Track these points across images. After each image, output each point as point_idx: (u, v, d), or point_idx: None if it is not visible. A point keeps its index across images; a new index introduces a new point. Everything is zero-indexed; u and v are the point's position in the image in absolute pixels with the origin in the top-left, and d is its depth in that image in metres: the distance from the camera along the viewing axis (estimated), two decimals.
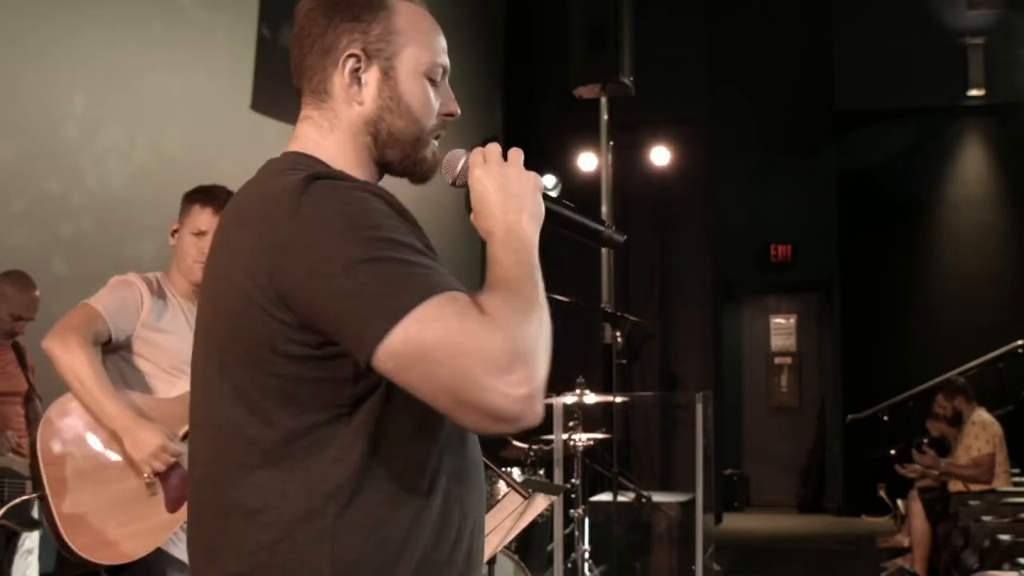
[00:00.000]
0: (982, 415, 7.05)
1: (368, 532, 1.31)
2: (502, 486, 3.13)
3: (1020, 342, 9.12)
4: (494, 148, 1.48)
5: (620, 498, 6.18)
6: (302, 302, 1.27)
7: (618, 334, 5.70)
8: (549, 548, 5.14)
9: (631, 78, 7.14)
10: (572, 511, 5.36)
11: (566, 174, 9.23)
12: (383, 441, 1.32)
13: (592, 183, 7.89)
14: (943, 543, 6.69)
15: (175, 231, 3.03)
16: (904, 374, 9.51)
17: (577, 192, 9.16)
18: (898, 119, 9.88)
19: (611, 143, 7.74)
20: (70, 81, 4.76)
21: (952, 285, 10.09)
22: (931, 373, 9.07)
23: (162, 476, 2.76)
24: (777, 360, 11.20)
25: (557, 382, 5.56)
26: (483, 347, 1.20)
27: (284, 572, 1.31)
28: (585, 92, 7.32)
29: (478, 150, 1.48)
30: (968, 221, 10.22)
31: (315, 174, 1.33)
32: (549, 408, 5.05)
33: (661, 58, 8.93)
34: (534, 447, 5.31)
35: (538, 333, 1.25)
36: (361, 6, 1.46)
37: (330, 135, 1.47)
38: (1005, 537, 5.68)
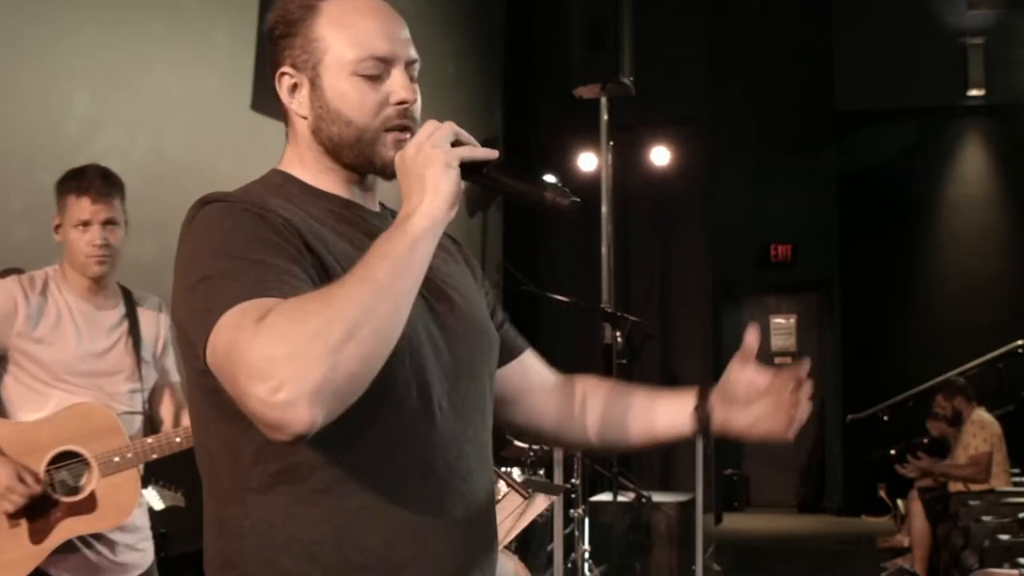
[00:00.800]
0: (981, 415, 7.05)
1: (279, 531, 1.34)
2: (502, 486, 3.12)
3: (1020, 342, 9.13)
4: (424, 128, 1.39)
5: (620, 498, 6.18)
6: (181, 324, 1.36)
7: (618, 334, 5.70)
8: (549, 548, 5.14)
9: (631, 78, 7.14)
10: (572, 511, 5.36)
11: (566, 174, 9.23)
12: (279, 445, 1.29)
13: (592, 183, 7.88)
14: (943, 543, 6.69)
15: (58, 226, 2.86)
16: (904, 374, 9.52)
17: (577, 192, 9.09)
18: (898, 119, 9.88)
19: (611, 143, 7.74)
20: (70, 80, 4.76)
21: (952, 285, 10.09)
22: (931, 373, 9.07)
23: (23, 509, 2.65)
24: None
25: None
26: (245, 354, 1.18)
27: (219, 569, 1.40)
28: (585, 92, 7.31)
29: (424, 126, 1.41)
30: (968, 221, 10.22)
31: (204, 198, 1.38)
32: None
33: (661, 58, 8.93)
34: (534, 447, 5.31)
35: (318, 333, 1.17)
36: (289, 21, 1.47)
37: (295, 150, 1.51)
38: (1005, 537, 5.69)
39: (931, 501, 7.06)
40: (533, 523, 3.89)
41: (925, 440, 7.73)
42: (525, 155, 9.71)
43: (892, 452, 8.18)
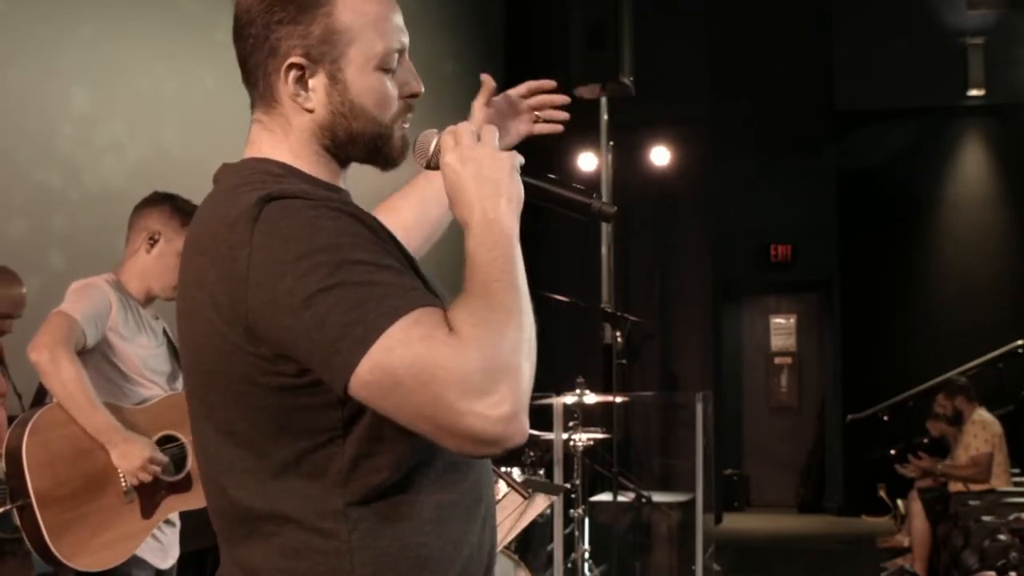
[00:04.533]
0: (982, 415, 7.04)
1: (390, 539, 1.30)
2: (502, 486, 3.12)
3: (1020, 342, 9.12)
4: (464, 128, 1.36)
5: (620, 498, 6.17)
6: (270, 336, 1.23)
7: (618, 334, 5.70)
8: (549, 548, 5.14)
9: (631, 78, 7.14)
10: (572, 511, 5.36)
11: (566, 174, 9.22)
12: (381, 456, 1.29)
13: (592, 183, 7.88)
14: (943, 543, 6.69)
15: (154, 240, 3.02)
16: (904, 374, 9.51)
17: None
18: (898, 119, 9.88)
19: (611, 143, 7.74)
20: (68, 77, 4.76)
21: (952, 285, 10.09)
22: (931, 373, 9.07)
23: (140, 486, 2.86)
24: (777, 360, 11.19)
25: (557, 382, 5.58)
26: (454, 370, 1.14)
27: None
28: (585, 92, 7.31)
29: (449, 131, 1.38)
30: (968, 221, 10.21)
31: (268, 195, 1.26)
32: (549, 408, 5.05)
33: (661, 58, 8.93)
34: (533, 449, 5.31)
35: (517, 343, 1.19)
36: (300, 5, 1.35)
37: (285, 140, 1.40)
38: (1005, 537, 5.69)
39: (931, 501, 7.05)
40: (533, 523, 3.88)
41: (925, 440, 7.73)
42: (525, 155, 9.70)
43: (892, 452, 8.18)
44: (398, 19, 1.41)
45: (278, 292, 1.20)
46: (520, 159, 1.38)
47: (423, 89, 1.44)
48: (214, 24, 5.48)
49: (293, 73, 1.37)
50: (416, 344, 1.16)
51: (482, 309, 1.20)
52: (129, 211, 3.13)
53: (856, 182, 10.11)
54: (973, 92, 9.85)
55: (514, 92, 1.81)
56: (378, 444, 1.28)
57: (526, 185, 1.37)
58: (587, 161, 8.94)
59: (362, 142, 1.40)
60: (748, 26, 10.22)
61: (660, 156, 9.58)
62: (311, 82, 1.37)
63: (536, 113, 1.83)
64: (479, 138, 1.36)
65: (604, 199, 1.44)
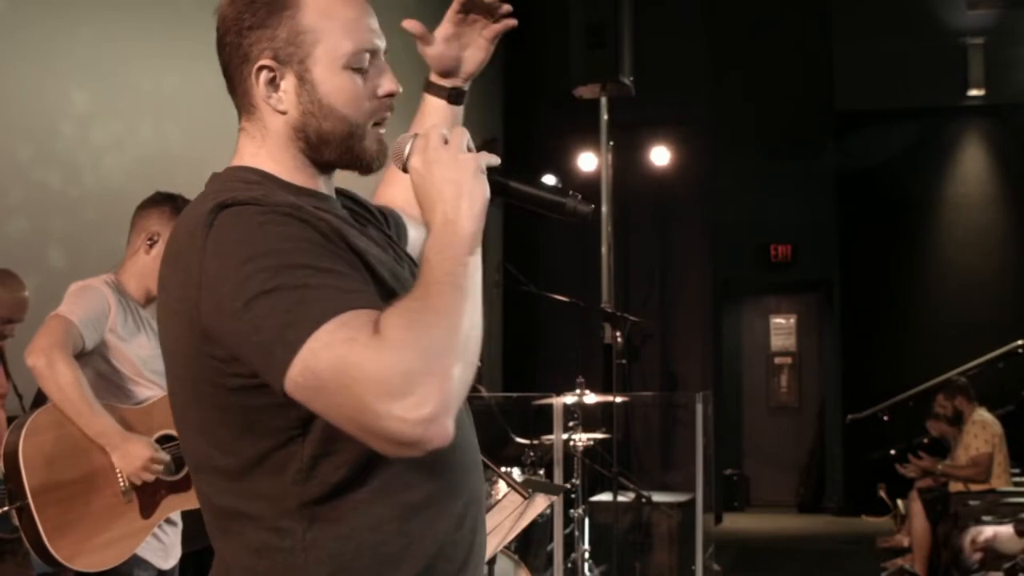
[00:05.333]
0: (983, 415, 7.04)
1: (345, 539, 1.31)
2: (502, 486, 3.12)
3: (1020, 342, 9.12)
4: (434, 132, 1.36)
5: (620, 498, 6.17)
6: (221, 339, 1.25)
7: (618, 334, 5.70)
8: (549, 548, 5.14)
9: (631, 78, 7.13)
10: (572, 511, 5.36)
11: (566, 174, 9.22)
12: (340, 454, 1.29)
13: (592, 183, 7.88)
14: (943, 543, 6.68)
15: (154, 241, 3.02)
16: (904, 374, 9.51)
17: (577, 192, 9.13)
18: (898, 119, 9.87)
19: (611, 143, 7.74)
20: (69, 76, 4.77)
21: (952, 285, 10.09)
22: (931, 373, 9.06)
23: (138, 486, 2.86)
24: (777, 360, 11.19)
25: (557, 382, 5.57)
26: (372, 372, 1.14)
27: None
28: (585, 92, 7.31)
29: (422, 134, 1.38)
30: (968, 221, 10.21)
31: (222, 202, 1.29)
32: (549, 408, 5.05)
33: (661, 58, 8.93)
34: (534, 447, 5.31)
35: (445, 345, 1.17)
36: (267, 8, 1.38)
37: (263, 146, 1.43)
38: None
39: (931, 501, 7.05)
40: (533, 523, 3.88)
41: (925, 440, 7.72)
42: (525, 155, 9.71)
43: (892, 452, 8.17)
44: (369, 21, 1.43)
45: (223, 296, 1.23)
46: (493, 160, 1.37)
47: (400, 89, 1.44)
48: (213, 24, 5.49)
49: (264, 75, 1.40)
50: (338, 346, 1.16)
51: (414, 310, 1.19)
52: (129, 210, 3.13)
53: (856, 182, 10.11)
54: (973, 92, 9.85)
55: (450, 15, 1.77)
56: (336, 443, 1.29)
57: (497, 185, 1.37)
58: (587, 161, 8.94)
59: (334, 142, 1.42)
60: (748, 26, 10.23)
61: (660, 156, 9.58)
62: (282, 84, 1.40)
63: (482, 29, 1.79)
64: (446, 141, 1.36)
65: (581, 198, 1.41)
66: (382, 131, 1.44)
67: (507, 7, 1.75)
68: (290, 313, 1.19)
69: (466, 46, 1.78)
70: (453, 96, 1.80)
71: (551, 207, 1.42)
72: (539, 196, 1.42)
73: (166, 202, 3.05)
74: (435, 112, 1.80)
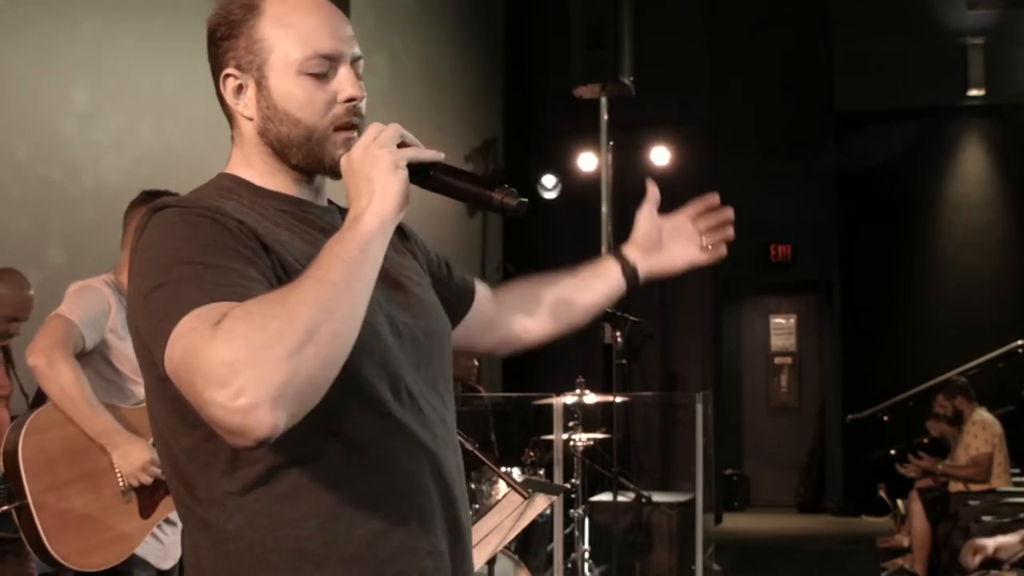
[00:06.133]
0: (983, 415, 7.04)
1: (265, 531, 1.33)
2: (502, 486, 3.13)
3: (1020, 342, 9.13)
4: (372, 127, 1.39)
5: (620, 498, 6.18)
6: (138, 330, 1.35)
7: (618, 334, 5.70)
8: (549, 548, 5.14)
9: (631, 78, 7.13)
10: (572, 511, 5.36)
11: (566, 174, 9.23)
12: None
13: (592, 183, 7.88)
14: (943, 543, 6.69)
15: None
16: (904, 374, 9.51)
17: (577, 192, 9.16)
18: (898, 119, 9.88)
19: (611, 143, 7.73)
20: (70, 75, 4.77)
21: (952, 285, 10.09)
22: (931, 373, 9.07)
23: (139, 486, 2.87)
24: (777, 360, 11.20)
25: (557, 382, 5.56)
26: (203, 361, 1.17)
27: None
28: (585, 92, 7.30)
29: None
30: (968, 221, 10.21)
31: (155, 206, 1.38)
32: (549, 408, 5.05)
33: (661, 58, 8.93)
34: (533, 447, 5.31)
35: (278, 337, 1.17)
36: (231, 22, 1.45)
37: (241, 152, 1.50)
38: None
39: (931, 501, 7.05)
40: (533, 523, 3.88)
41: (925, 440, 7.73)
42: (525, 155, 9.71)
43: (892, 452, 8.18)
44: (333, 28, 1.45)
45: (135, 291, 1.33)
46: (423, 155, 1.37)
47: (362, 94, 1.46)
48: None
49: (230, 83, 1.46)
50: (185, 336, 1.21)
51: (262, 302, 1.22)
52: (126, 208, 3.13)
53: (856, 182, 10.11)
54: (973, 92, 9.86)
55: (683, 214, 1.85)
56: None
57: (423, 181, 1.38)
58: (587, 161, 8.94)
59: (294, 146, 1.45)
60: (748, 26, 10.23)
61: (660, 156, 9.58)
62: (246, 91, 1.46)
63: (704, 239, 1.87)
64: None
65: (513, 189, 1.39)
66: (352, 135, 1.44)
67: (729, 237, 1.89)
68: (167, 306, 1.25)
69: (677, 238, 1.88)
70: (628, 274, 1.86)
71: (477, 200, 1.41)
72: (464, 189, 1.41)
73: (153, 200, 3.05)
74: (600, 277, 1.85)
